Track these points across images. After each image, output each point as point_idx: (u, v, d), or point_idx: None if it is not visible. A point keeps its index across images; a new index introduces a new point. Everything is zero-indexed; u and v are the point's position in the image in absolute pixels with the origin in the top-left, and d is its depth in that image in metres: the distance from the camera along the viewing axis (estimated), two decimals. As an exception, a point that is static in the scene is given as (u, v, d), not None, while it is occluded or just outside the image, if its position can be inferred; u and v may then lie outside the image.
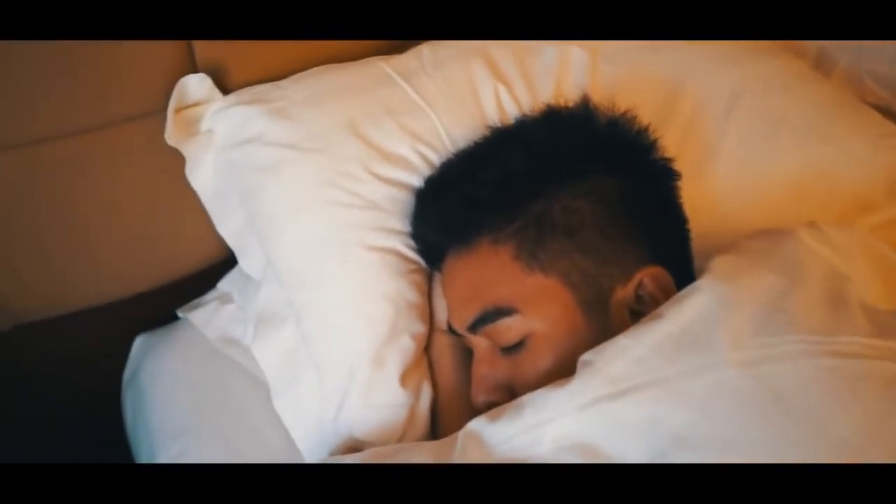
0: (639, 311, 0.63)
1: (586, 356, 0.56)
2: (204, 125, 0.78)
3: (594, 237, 0.64)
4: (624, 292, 0.63)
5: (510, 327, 0.63)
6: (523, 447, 0.54)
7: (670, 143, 0.74)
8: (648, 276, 0.63)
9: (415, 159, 0.73)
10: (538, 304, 0.63)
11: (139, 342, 0.91)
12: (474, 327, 0.65)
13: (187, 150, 0.78)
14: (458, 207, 0.66)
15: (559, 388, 0.55)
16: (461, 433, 0.58)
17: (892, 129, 0.85)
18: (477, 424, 0.57)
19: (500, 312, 0.63)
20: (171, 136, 0.76)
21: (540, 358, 0.63)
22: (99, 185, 0.79)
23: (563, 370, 0.58)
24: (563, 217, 0.64)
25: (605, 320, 0.63)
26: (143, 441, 0.85)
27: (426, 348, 0.73)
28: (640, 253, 0.64)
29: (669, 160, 0.69)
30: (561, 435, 0.53)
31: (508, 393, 0.64)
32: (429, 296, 0.74)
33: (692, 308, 0.56)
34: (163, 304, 0.92)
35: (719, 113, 0.82)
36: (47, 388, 0.93)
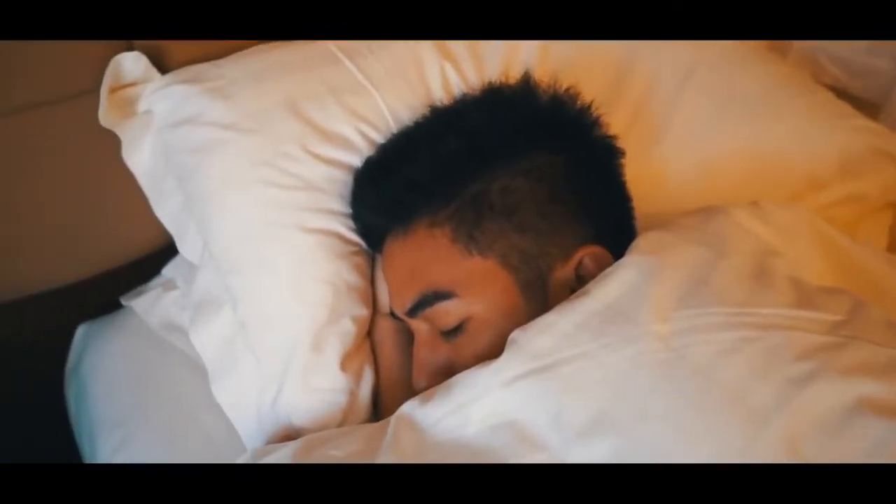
0: None
1: (514, 334, 0.56)
2: (141, 106, 0.75)
3: (532, 216, 0.62)
4: (563, 272, 0.62)
5: (449, 311, 0.62)
6: (453, 428, 0.54)
7: (620, 121, 0.73)
8: (588, 256, 0.62)
9: (356, 139, 0.71)
10: (476, 287, 0.62)
11: (81, 331, 0.89)
12: (413, 311, 0.64)
13: (123, 132, 0.75)
14: (395, 190, 0.65)
15: (485, 366, 0.54)
16: (394, 417, 0.57)
17: (845, 110, 0.84)
18: (409, 407, 0.57)
19: (438, 296, 0.62)
20: (105, 117, 0.74)
21: (479, 341, 0.62)
22: (33, 167, 0.76)
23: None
24: (500, 197, 0.63)
25: (544, 301, 0.62)
26: (85, 430, 0.83)
27: (369, 332, 0.71)
28: (580, 232, 0.63)
29: (613, 137, 0.68)
30: (488, 413, 0.53)
31: (450, 377, 0.62)
32: (371, 279, 0.72)
33: (617, 283, 0.55)
34: (107, 293, 0.90)
35: (671, 91, 0.81)
36: (-11, 378, 0.90)
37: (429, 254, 0.63)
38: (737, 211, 0.62)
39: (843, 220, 0.77)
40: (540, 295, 0.61)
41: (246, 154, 0.70)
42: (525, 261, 0.62)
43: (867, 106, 0.88)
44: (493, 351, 0.59)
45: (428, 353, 0.64)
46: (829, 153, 0.80)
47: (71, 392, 0.88)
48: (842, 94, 0.89)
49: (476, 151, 0.64)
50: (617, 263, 0.58)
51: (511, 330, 0.57)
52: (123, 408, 0.80)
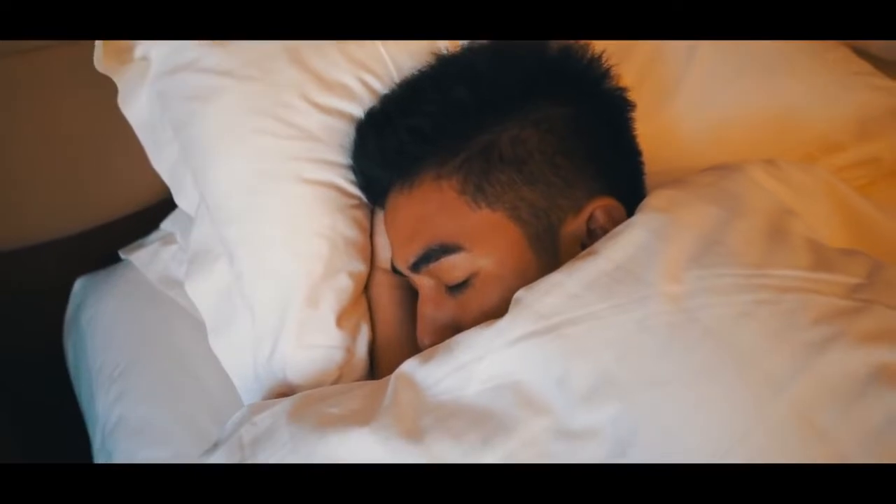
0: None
1: (519, 293, 0.54)
2: (138, 52, 0.73)
3: (543, 168, 0.60)
4: (574, 225, 0.60)
5: (455, 265, 0.60)
6: (453, 388, 0.52)
7: (630, 76, 0.70)
8: (600, 209, 0.60)
9: (357, 88, 0.69)
10: (484, 240, 0.60)
11: (80, 283, 0.88)
12: (417, 266, 0.62)
13: (119, 79, 0.73)
14: (400, 141, 0.63)
15: (489, 326, 0.53)
16: (393, 375, 0.56)
17: (864, 67, 0.82)
18: (409, 366, 0.55)
19: (444, 250, 0.60)
20: (101, 63, 0.72)
21: (487, 296, 0.60)
22: (28, 113, 0.75)
23: None
24: (510, 148, 0.60)
25: (555, 255, 0.60)
26: (84, 383, 0.83)
27: (366, 288, 0.69)
28: (591, 184, 0.61)
29: (624, 89, 0.66)
30: (490, 374, 0.51)
31: (455, 334, 0.61)
32: (370, 233, 0.70)
33: (627, 242, 0.53)
34: (106, 245, 0.89)
35: (684, 47, 0.79)
36: (-14, 330, 0.90)
37: (435, 206, 0.61)
38: (753, 168, 0.59)
39: (856, 182, 0.75)
40: (550, 249, 0.60)
41: (243, 102, 0.67)
42: (534, 214, 0.60)
43: (887, 65, 0.84)
44: (501, 307, 0.58)
45: (433, 309, 0.62)
46: (846, 113, 0.78)
47: (69, 343, 0.88)
48: (861, 53, 0.86)
49: (484, 101, 0.61)
50: (627, 222, 0.55)
51: (520, 286, 0.55)
52: (121, 360, 0.79)
